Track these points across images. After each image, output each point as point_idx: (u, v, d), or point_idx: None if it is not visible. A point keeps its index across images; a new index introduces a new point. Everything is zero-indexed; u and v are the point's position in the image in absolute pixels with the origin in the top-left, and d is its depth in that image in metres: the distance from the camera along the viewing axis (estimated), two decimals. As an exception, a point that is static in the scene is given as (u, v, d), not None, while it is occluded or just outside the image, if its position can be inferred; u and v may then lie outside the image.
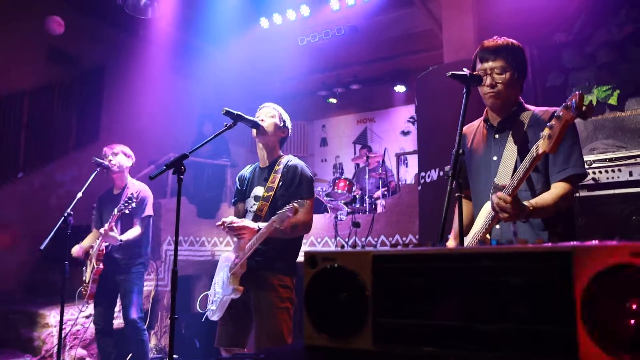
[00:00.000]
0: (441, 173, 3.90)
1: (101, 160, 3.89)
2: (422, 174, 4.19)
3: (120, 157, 3.97)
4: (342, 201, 6.52)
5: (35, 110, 6.37)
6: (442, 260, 0.89)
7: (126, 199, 3.67)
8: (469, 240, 2.02)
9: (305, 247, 5.70)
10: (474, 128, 2.23)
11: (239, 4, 6.85)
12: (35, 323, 4.60)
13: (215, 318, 2.75)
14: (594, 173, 3.19)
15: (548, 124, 1.66)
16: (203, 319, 2.83)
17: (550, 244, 0.81)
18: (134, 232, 3.84)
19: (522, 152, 1.92)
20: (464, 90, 1.92)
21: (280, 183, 2.72)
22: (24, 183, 6.19)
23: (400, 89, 9.11)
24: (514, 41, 2.05)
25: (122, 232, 3.82)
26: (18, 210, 5.97)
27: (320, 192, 6.60)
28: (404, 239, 5.56)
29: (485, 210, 1.97)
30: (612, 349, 0.71)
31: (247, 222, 2.61)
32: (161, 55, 7.11)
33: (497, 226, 2.00)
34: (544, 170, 1.96)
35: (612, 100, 4.01)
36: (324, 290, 0.99)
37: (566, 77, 4.42)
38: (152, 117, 7.26)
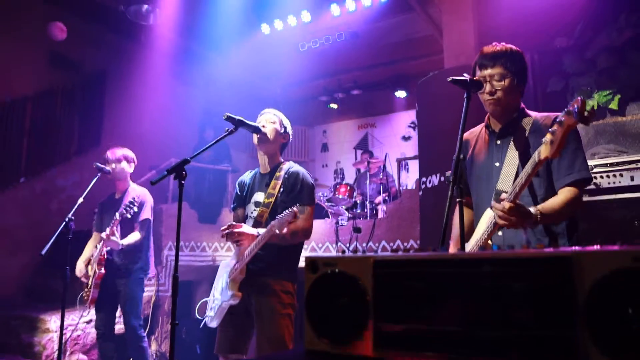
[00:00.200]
0: (442, 178, 3.90)
1: (102, 166, 3.89)
2: (423, 179, 4.19)
3: (122, 164, 3.98)
4: (343, 206, 6.52)
5: (37, 116, 6.39)
6: (443, 265, 0.89)
7: (127, 203, 3.67)
8: (470, 246, 2.01)
9: (306, 253, 5.69)
10: (475, 134, 2.23)
11: (240, 10, 6.88)
12: (36, 328, 4.59)
13: (213, 325, 2.74)
14: (595, 178, 3.18)
15: (550, 130, 1.65)
16: (201, 326, 2.83)
17: (551, 249, 0.81)
18: (135, 236, 3.84)
19: (523, 158, 1.91)
20: (465, 96, 1.92)
21: (281, 189, 2.72)
22: (26, 188, 6.20)
23: (401, 94, 9.13)
24: (513, 47, 2.05)
25: (123, 236, 3.82)
26: (20, 215, 5.97)
27: (322, 198, 6.61)
28: (405, 244, 5.55)
29: (487, 216, 1.97)
30: (614, 355, 0.71)
31: (246, 227, 2.61)
32: (163, 61, 7.14)
33: (500, 232, 2.00)
34: (545, 176, 1.95)
35: (613, 105, 4.01)
36: (325, 296, 0.99)
37: (567, 82, 4.43)
38: (154, 122, 7.28)
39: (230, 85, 8.05)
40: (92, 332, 4.16)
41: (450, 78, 1.92)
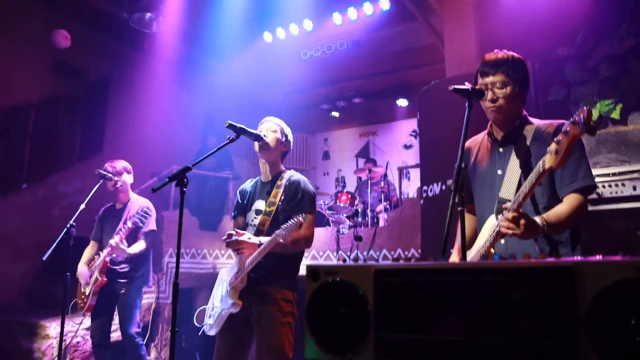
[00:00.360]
0: (443, 187, 3.89)
1: (104, 172, 3.91)
2: (425, 187, 4.19)
3: (124, 176, 4.00)
4: (344, 215, 6.51)
5: (40, 122, 6.41)
6: (444, 274, 0.88)
7: (141, 213, 3.67)
8: (472, 254, 2.00)
9: (307, 261, 5.68)
10: (478, 142, 2.22)
11: (243, 18, 6.92)
12: (36, 334, 4.58)
13: (212, 332, 2.72)
14: (597, 188, 3.17)
15: (555, 139, 1.64)
16: (200, 333, 2.81)
17: (553, 259, 0.81)
18: (140, 246, 3.85)
19: (526, 166, 1.91)
20: (466, 104, 1.92)
21: (283, 197, 2.72)
22: (28, 194, 6.21)
23: (402, 102, 9.15)
24: (515, 54, 2.05)
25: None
26: (21, 220, 5.98)
27: (323, 206, 6.60)
28: (406, 253, 5.54)
29: (490, 225, 1.96)
30: (616, 366, 0.70)
31: (248, 236, 2.60)
32: (165, 68, 7.17)
33: (502, 241, 1.99)
34: (548, 184, 1.95)
35: (615, 114, 4.01)
36: (326, 304, 0.98)
37: (568, 91, 4.43)
38: (156, 129, 7.30)
39: (233, 92, 8.07)
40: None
41: (452, 87, 1.92)
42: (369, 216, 6.62)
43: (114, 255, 3.76)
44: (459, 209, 1.84)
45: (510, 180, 1.95)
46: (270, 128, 2.81)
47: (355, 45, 7.58)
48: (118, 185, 3.96)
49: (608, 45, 4.31)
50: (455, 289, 0.86)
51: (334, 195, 6.63)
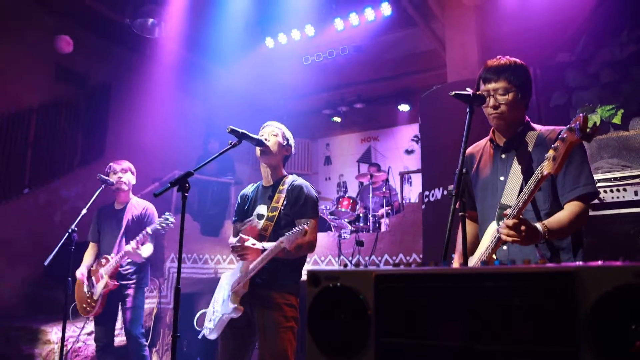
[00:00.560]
0: (445, 192, 3.89)
1: (106, 177, 3.90)
2: (426, 193, 4.19)
3: (128, 174, 4.00)
4: (346, 220, 6.51)
5: (42, 127, 6.43)
6: (445, 280, 0.88)
7: (163, 219, 3.65)
8: (474, 260, 2.00)
9: (308, 266, 5.67)
10: (480, 147, 2.22)
11: (245, 24, 6.94)
12: (37, 339, 4.57)
13: (212, 337, 2.72)
14: (598, 194, 3.17)
15: (552, 146, 1.65)
16: (200, 337, 2.81)
17: (553, 265, 0.81)
18: (149, 248, 3.86)
19: (528, 173, 1.90)
20: (467, 110, 1.92)
21: (285, 202, 2.72)
22: (30, 199, 6.22)
23: (404, 108, 9.16)
24: (518, 60, 2.04)
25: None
26: (23, 225, 5.99)
27: (324, 211, 6.60)
28: (408, 258, 5.53)
29: (491, 231, 1.96)
30: (617, 372, 0.70)
31: (252, 242, 2.60)
32: (167, 74, 7.19)
33: (504, 247, 1.98)
34: (550, 190, 1.94)
35: (616, 120, 4.02)
36: (327, 309, 0.98)
37: (570, 97, 4.44)
38: (158, 134, 7.31)
39: (234, 98, 8.09)
40: (93, 344, 4.13)
41: (453, 92, 1.92)
42: (371, 221, 6.62)
43: (128, 259, 3.76)
44: (460, 214, 1.84)
45: (513, 186, 1.94)
46: (272, 132, 2.82)
47: (356, 51, 7.59)
48: (123, 181, 3.93)
49: (609, 51, 4.32)
50: (455, 294, 0.86)
51: (335, 200, 6.64)
